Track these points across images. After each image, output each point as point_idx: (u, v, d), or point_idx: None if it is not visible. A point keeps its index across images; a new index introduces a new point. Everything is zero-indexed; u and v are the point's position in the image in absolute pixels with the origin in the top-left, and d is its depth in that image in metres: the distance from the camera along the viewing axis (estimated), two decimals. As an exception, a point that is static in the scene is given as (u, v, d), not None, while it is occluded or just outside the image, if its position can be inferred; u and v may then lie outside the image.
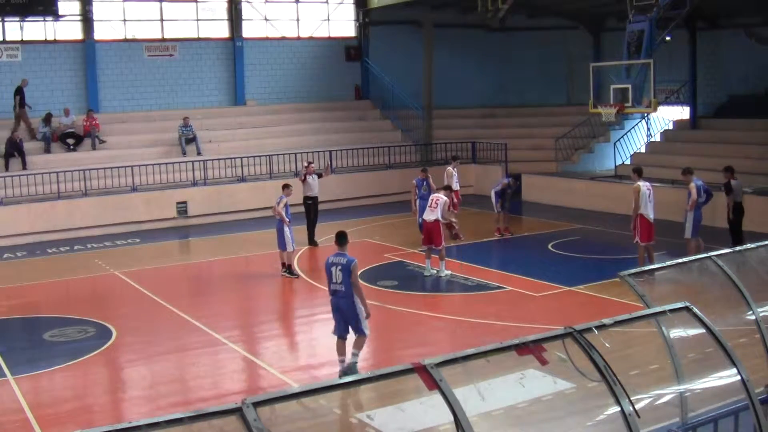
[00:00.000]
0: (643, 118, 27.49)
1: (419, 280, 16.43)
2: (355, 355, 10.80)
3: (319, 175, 20.17)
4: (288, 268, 16.72)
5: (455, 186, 19.79)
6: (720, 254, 7.86)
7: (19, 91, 24.18)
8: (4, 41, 24.90)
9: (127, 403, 10.72)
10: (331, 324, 14.26)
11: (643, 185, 15.52)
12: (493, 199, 19.95)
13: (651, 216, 15.45)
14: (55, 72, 25.63)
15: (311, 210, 19.86)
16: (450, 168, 20.39)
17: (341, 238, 11.10)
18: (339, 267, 10.79)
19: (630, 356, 9.84)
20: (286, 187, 17.16)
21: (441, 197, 16.51)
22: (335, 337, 11.26)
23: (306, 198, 19.76)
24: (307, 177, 19.74)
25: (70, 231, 21.74)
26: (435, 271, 16.34)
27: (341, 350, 10.92)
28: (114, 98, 26.52)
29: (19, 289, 16.67)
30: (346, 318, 10.85)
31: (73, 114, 24.96)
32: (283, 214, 16.47)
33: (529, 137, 28.96)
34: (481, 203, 22.06)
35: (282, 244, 16.64)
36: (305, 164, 20.20)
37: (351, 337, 11.03)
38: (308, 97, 29.34)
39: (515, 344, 5.35)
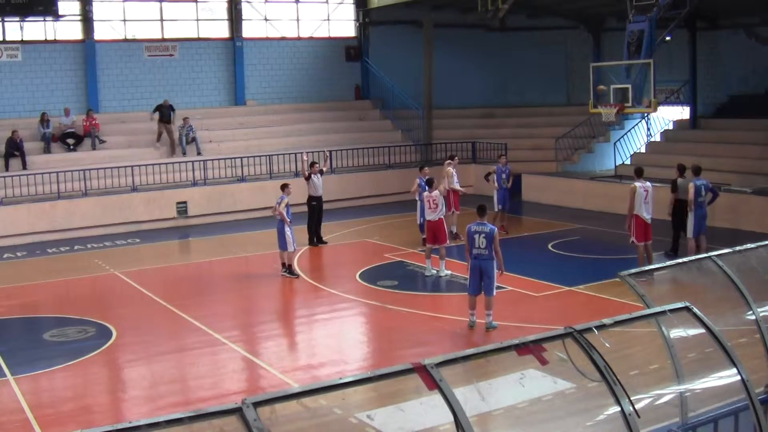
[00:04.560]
0: (643, 118, 27.49)
1: (419, 280, 16.44)
2: (489, 315, 12.64)
3: (321, 172, 20.21)
4: (288, 268, 16.72)
5: (456, 186, 19.74)
6: (720, 254, 7.86)
7: (158, 109, 25.28)
8: (4, 41, 24.91)
9: (127, 403, 10.72)
10: (331, 324, 14.32)
11: (640, 186, 15.54)
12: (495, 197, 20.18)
13: (646, 216, 15.46)
14: (55, 72, 25.64)
15: (315, 210, 19.87)
16: (450, 168, 20.36)
17: (482, 210, 12.89)
18: (483, 235, 12.57)
19: (630, 356, 9.84)
20: (285, 186, 17.15)
21: (435, 195, 16.48)
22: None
23: (311, 198, 19.76)
24: (312, 176, 19.75)
25: (70, 231, 21.74)
26: (435, 271, 16.35)
27: (473, 305, 12.78)
28: (114, 98, 26.52)
29: (19, 289, 16.67)
30: (483, 277, 12.59)
31: (73, 114, 24.96)
32: (285, 214, 16.47)
33: (529, 137, 28.96)
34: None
35: (283, 244, 16.64)
36: (308, 163, 20.18)
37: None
38: (308, 97, 29.35)
39: (515, 344, 5.35)
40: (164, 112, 25.31)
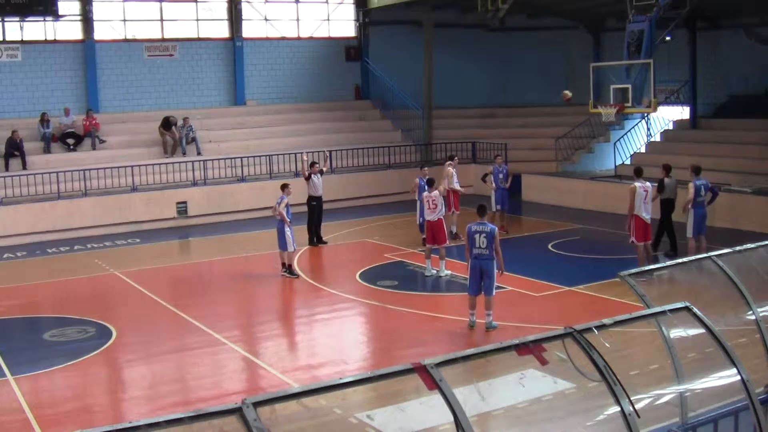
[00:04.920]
0: (643, 118, 27.49)
1: (419, 280, 16.44)
2: (489, 315, 12.64)
3: (321, 172, 20.20)
4: (288, 268, 16.72)
5: (456, 186, 19.76)
6: (720, 254, 7.85)
7: (165, 122, 25.22)
8: (4, 41, 24.90)
9: (127, 403, 10.72)
10: (331, 324, 14.32)
11: (639, 186, 15.57)
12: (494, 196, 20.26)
13: (646, 216, 15.48)
14: (55, 72, 25.64)
15: (315, 210, 19.88)
16: (450, 168, 20.38)
17: (482, 209, 12.99)
18: (483, 234, 12.59)
19: (630, 356, 9.84)
20: (285, 186, 17.16)
21: (435, 195, 16.49)
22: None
23: (311, 198, 19.79)
24: (312, 176, 19.76)
25: (70, 231, 21.74)
26: (435, 271, 16.35)
27: (473, 305, 12.77)
28: (114, 98, 26.52)
29: (19, 289, 16.67)
30: (484, 277, 12.59)
31: (73, 114, 24.96)
32: (284, 214, 16.48)
33: (529, 137, 28.96)
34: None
35: (282, 244, 16.64)
36: (308, 163, 20.19)
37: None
38: (308, 97, 29.34)
39: (515, 344, 5.35)
40: (168, 124, 25.39)
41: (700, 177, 16.41)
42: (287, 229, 16.51)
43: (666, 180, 17.26)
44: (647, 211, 15.52)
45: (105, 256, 19.38)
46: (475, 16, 25.85)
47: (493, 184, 20.44)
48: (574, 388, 8.46)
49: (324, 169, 20.92)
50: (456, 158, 21.07)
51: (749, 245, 8.48)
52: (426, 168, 19.71)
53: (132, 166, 23.27)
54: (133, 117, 26.46)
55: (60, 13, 24.55)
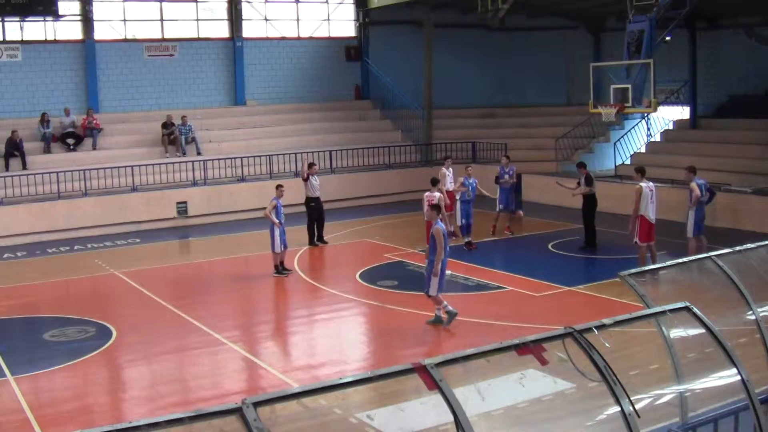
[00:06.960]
0: (643, 118, 27.48)
1: (419, 280, 16.39)
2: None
3: (306, 178, 19.83)
4: (276, 269, 16.78)
5: (449, 186, 19.76)
6: (720, 254, 7.85)
7: (166, 125, 25.35)
8: (4, 41, 24.91)
9: (127, 403, 10.72)
10: (331, 324, 14.28)
11: (645, 186, 15.49)
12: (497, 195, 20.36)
13: (651, 217, 15.43)
14: (55, 72, 25.64)
15: (315, 211, 19.83)
16: (444, 169, 20.39)
17: (437, 208, 13.41)
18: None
19: (630, 356, 9.84)
20: (277, 188, 17.17)
21: (435, 195, 16.52)
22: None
23: (309, 199, 19.75)
24: (310, 177, 19.73)
25: (70, 231, 21.75)
26: (435, 271, 16.34)
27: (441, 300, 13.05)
28: (114, 98, 26.52)
29: (19, 289, 16.67)
30: None
31: (73, 114, 24.96)
32: (272, 215, 16.48)
33: (529, 137, 28.95)
34: (481, 203, 22.00)
35: (271, 244, 16.71)
36: (307, 164, 20.15)
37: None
38: (308, 97, 29.34)
39: (515, 344, 5.35)
40: (168, 127, 25.45)
41: (699, 177, 16.38)
42: (275, 231, 16.53)
43: (592, 176, 18.56)
44: (653, 212, 15.44)
45: (105, 256, 19.38)
46: (475, 16, 25.85)
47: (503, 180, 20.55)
48: (574, 388, 8.45)
49: (305, 176, 19.82)
50: (450, 159, 21.10)
51: (749, 245, 8.48)
52: (470, 168, 19.59)
53: (132, 166, 23.28)
54: (133, 117, 26.46)
55: (60, 13, 24.55)
